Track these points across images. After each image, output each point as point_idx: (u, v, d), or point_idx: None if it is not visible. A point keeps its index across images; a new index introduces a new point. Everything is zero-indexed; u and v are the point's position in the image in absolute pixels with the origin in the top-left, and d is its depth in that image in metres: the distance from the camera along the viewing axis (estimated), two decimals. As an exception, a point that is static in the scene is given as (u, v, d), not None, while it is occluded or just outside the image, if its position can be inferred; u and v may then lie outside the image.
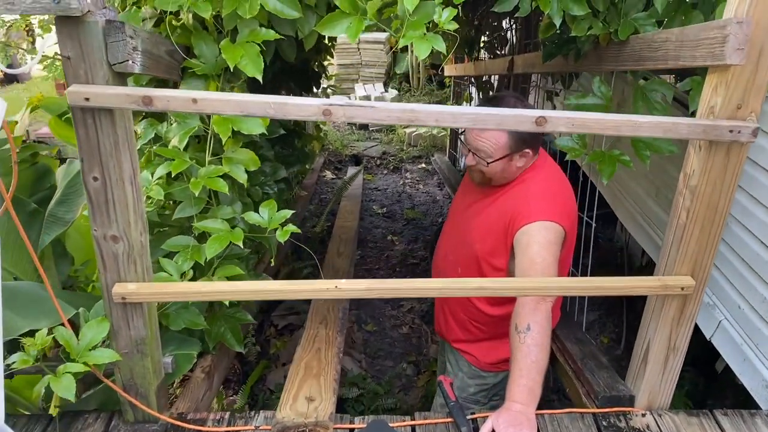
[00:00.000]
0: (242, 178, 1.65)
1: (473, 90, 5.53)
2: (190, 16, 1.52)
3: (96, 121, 1.26)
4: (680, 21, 1.65)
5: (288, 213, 1.67)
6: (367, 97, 8.44)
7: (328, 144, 7.39)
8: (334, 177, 6.51)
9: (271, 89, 2.54)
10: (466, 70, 5.02)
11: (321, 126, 6.11)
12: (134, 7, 1.54)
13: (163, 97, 1.22)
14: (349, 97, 8.79)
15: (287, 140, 2.74)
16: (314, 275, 3.83)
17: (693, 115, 1.47)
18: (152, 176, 1.60)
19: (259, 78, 1.51)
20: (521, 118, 1.27)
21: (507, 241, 1.86)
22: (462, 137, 1.99)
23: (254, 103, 1.23)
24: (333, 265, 3.16)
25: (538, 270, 1.68)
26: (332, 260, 3.22)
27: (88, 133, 1.27)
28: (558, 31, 1.89)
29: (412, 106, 1.26)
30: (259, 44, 1.54)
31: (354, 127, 8.23)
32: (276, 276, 3.77)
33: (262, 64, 1.52)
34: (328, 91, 5.64)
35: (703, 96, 1.37)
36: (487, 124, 1.28)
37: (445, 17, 1.49)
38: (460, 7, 1.53)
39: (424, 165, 7.07)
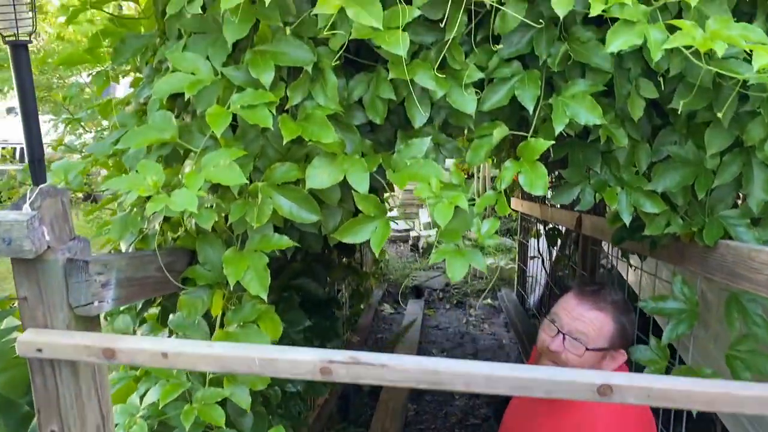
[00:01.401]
0: (245, 403, 1.39)
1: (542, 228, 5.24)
2: (194, 221, 1.34)
3: (55, 371, 1.05)
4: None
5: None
6: (431, 224, 8.27)
7: (388, 274, 7.16)
8: (394, 312, 6.22)
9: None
10: (532, 210, 4.76)
11: (381, 256, 5.94)
12: (134, 210, 1.37)
13: (129, 350, 1.00)
14: (414, 223, 8.67)
15: (321, 311, 2.49)
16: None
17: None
18: (140, 401, 1.37)
19: (264, 296, 1.29)
20: (578, 385, 0.96)
21: None
22: (550, 315, 1.67)
23: (237, 359, 0.99)
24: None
25: None
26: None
27: (45, 383, 1.06)
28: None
29: (435, 365, 0.99)
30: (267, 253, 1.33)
31: (417, 254, 8.01)
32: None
33: (269, 279, 1.30)
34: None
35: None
36: (533, 391, 0.98)
37: (486, 230, 1.24)
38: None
39: (490, 300, 6.69)
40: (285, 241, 1.35)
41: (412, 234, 8.30)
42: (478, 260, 1.22)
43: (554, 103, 1.32)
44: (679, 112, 1.44)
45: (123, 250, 1.44)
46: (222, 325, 1.40)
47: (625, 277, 2.90)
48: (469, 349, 5.37)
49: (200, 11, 1.30)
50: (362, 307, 5.02)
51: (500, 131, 1.34)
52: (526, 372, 0.97)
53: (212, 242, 1.39)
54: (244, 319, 1.38)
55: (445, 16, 1.32)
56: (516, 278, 6.46)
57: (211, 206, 1.31)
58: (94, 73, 1.54)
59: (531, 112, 1.32)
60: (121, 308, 1.61)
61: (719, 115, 1.34)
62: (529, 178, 1.27)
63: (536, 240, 5.46)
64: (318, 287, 2.26)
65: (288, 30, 1.28)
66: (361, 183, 1.31)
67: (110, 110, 1.67)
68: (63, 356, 1.00)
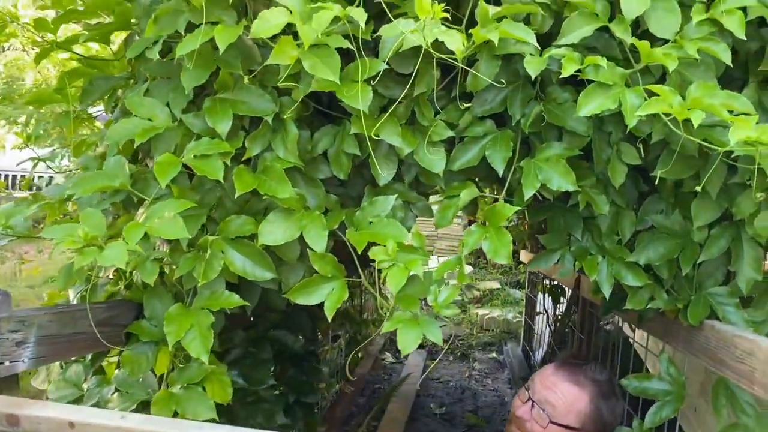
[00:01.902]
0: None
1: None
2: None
3: (-41, 433, 0.97)
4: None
5: None
6: (441, 272, 8.15)
7: (393, 322, 7.02)
8: (395, 361, 6.05)
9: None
10: (537, 265, 4.61)
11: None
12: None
13: (34, 418, 0.91)
14: (423, 270, 8.56)
15: (298, 364, 2.38)
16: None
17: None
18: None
19: (205, 359, 1.20)
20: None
21: None
22: (528, 381, 1.56)
23: (149, 435, 0.90)
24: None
25: None
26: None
27: (-51, 445, 0.98)
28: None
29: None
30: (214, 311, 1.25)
31: (423, 301, 7.88)
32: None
33: (212, 340, 1.22)
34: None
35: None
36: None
37: (443, 299, 1.15)
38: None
39: (495, 354, 6.49)
40: (235, 300, 1.27)
41: (420, 281, 8.16)
42: (434, 331, 1.14)
43: (525, 167, 1.24)
44: (664, 180, 1.36)
45: (72, 301, 1.37)
46: (167, 385, 1.32)
47: (631, 340, 2.76)
48: (469, 405, 5.17)
49: (158, 57, 1.26)
50: (360, 356, 4.90)
51: (468, 192, 1.26)
52: None
53: (161, 296, 1.32)
54: (189, 380, 1.30)
55: (415, 71, 1.26)
56: (522, 333, 6.28)
57: (159, 259, 1.24)
58: (62, 112, 1.50)
59: (501, 174, 1.24)
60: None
61: (706, 185, 1.26)
62: (493, 245, 1.18)
63: (543, 295, 5.32)
64: (295, 340, 2.17)
65: (246, 79, 1.22)
66: (318, 241, 1.23)
67: (83, 150, 1.63)
68: (-39, 421, 0.92)
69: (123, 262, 1.03)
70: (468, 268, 8.31)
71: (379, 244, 1.21)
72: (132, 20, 1.36)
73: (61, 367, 1.64)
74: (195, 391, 1.29)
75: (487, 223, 1.24)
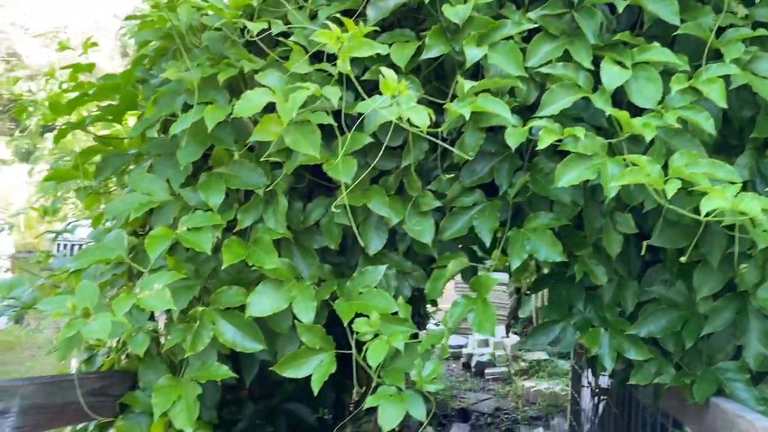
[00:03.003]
0: None
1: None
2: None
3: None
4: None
5: None
6: (486, 341, 7.94)
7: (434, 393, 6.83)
8: (436, 435, 5.87)
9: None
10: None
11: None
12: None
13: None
14: (467, 338, 8.36)
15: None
16: None
17: None
18: None
19: (189, 431, 1.20)
20: None
21: None
22: None
23: None
24: None
25: None
26: None
27: None
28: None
29: None
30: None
31: (469, 373, 7.65)
32: None
33: (197, 412, 1.22)
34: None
35: None
36: None
37: (427, 373, 1.13)
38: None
39: (541, 429, 6.21)
40: (224, 371, 1.27)
41: (465, 351, 7.98)
42: (417, 408, 1.10)
43: (512, 237, 1.23)
44: (666, 250, 1.33)
45: (72, 370, 1.41)
46: (160, 457, 1.31)
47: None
48: (513, 486, 4.93)
49: (160, 135, 1.32)
50: (397, 429, 4.75)
51: (456, 263, 1.25)
52: None
53: (156, 367, 1.33)
54: (179, 453, 1.29)
55: (405, 143, 1.28)
56: (569, 407, 6.01)
57: (152, 331, 1.27)
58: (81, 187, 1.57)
59: (488, 244, 1.23)
60: (79, 427, 1.55)
61: (707, 255, 1.22)
62: (478, 317, 1.16)
63: (588, 367, 5.11)
64: (309, 414, 2.13)
65: (237, 154, 1.27)
66: (306, 312, 1.24)
67: (98, 222, 1.70)
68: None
69: (106, 335, 1.06)
70: (514, 338, 8.09)
71: (367, 315, 1.21)
72: (140, 101, 1.44)
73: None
74: (186, 465, 1.28)
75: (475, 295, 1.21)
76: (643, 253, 1.18)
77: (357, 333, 1.16)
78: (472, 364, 7.67)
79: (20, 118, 1.47)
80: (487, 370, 7.45)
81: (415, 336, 1.21)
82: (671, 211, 1.18)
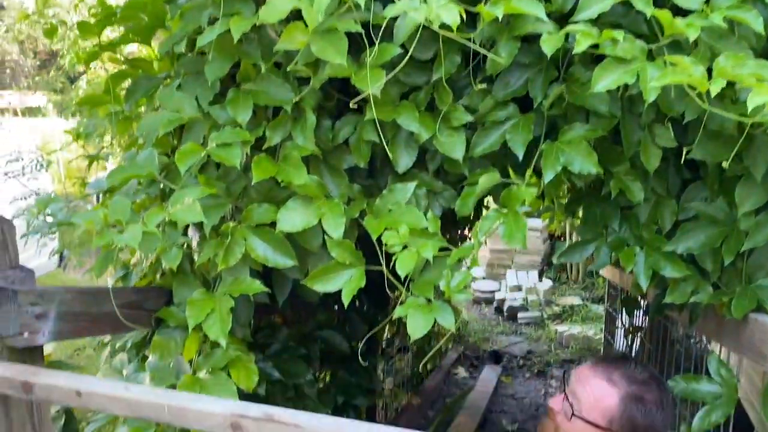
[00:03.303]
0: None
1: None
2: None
3: (-13, 400, 1.03)
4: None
5: None
6: (518, 286, 7.94)
7: (467, 336, 6.89)
8: (468, 376, 5.93)
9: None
10: (613, 275, 4.43)
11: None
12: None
13: (46, 386, 0.96)
14: (500, 283, 8.37)
15: (346, 366, 2.37)
16: None
17: None
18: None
19: (223, 342, 1.22)
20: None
21: None
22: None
23: (148, 405, 0.93)
24: None
25: None
26: None
27: (-21, 412, 1.04)
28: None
29: (356, 428, 0.87)
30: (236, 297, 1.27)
31: (501, 317, 7.68)
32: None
33: (230, 325, 1.24)
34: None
35: None
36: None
37: (456, 283, 1.12)
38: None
39: (573, 371, 6.24)
40: (257, 286, 1.29)
41: (498, 296, 7.99)
42: (446, 317, 1.10)
43: (547, 149, 1.19)
44: (708, 165, 1.28)
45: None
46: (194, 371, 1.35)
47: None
48: (544, 423, 4.99)
49: (188, 52, 1.31)
50: (428, 368, 4.84)
51: (487, 178, 1.22)
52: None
53: (190, 283, 1.36)
54: (214, 365, 1.32)
55: (436, 56, 1.25)
56: (602, 350, 6.01)
57: (183, 245, 1.29)
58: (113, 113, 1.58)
59: (520, 158, 1.20)
60: (118, 346, 1.60)
61: (750, 167, 1.17)
62: (509, 228, 1.14)
63: (622, 309, 5.08)
64: (342, 341, 2.17)
65: (264, 68, 1.25)
66: (335, 228, 1.24)
67: (131, 147, 1.72)
68: (-17, 386, 0.98)
69: (137, 243, 1.07)
70: (548, 283, 8.06)
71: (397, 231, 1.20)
72: (167, 21, 1.42)
73: (111, 356, 1.73)
74: (219, 376, 1.31)
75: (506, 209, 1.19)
76: (682, 161, 1.14)
77: (386, 245, 1.16)
78: (505, 308, 7.69)
79: (50, 38, 1.47)
80: (519, 315, 7.47)
81: (444, 250, 1.19)
82: (713, 120, 1.13)
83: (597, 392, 1.30)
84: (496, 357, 6.49)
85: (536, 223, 8.48)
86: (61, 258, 4.24)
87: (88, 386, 0.94)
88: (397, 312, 1.13)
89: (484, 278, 8.63)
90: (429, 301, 1.15)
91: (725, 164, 1.07)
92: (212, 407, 0.90)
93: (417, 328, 1.09)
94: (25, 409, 1.06)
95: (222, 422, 0.90)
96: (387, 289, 1.15)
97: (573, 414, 1.28)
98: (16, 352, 1.04)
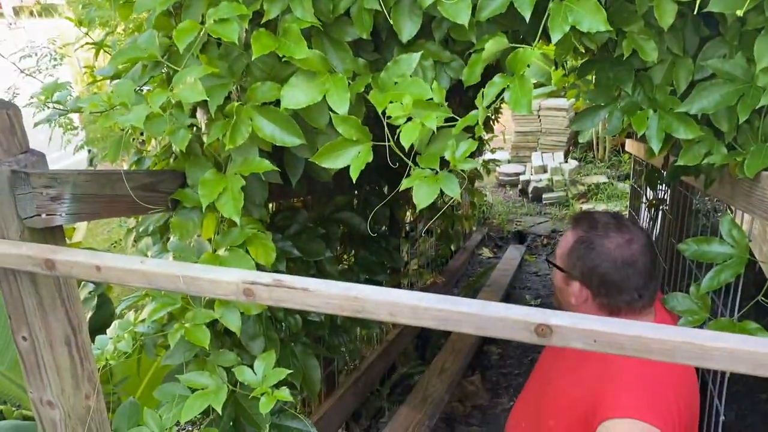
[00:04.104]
0: (234, 326, 1.38)
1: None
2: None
3: (17, 278, 1.10)
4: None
5: (284, 372, 1.37)
6: (544, 168, 7.90)
7: (491, 218, 6.96)
8: (492, 256, 6.06)
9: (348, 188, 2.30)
10: (638, 150, 4.37)
11: (478, 198, 5.75)
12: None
13: (66, 262, 1.01)
14: (524, 166, 8.33)
15: (367, 245, 2.44)
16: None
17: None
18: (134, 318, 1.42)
19: (237, 220, 1.26)
20: (511, 322, 0.84)
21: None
22: None
23: (163, 276, 0.97)
24: (430, 383, 2.77)
25: None
26: (431, 377, 2.84)
27: (11, 289, 1.11)
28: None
29: (357, 291, 0.90)
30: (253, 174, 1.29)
31: (526, 199, 7.71)
32: (389, 376, 3.48)
33: (242, 202, 1.27)
34: (492, 159, 5.29)
35: None
36: (461, 325, 0.87)
37: (461, 153, 1.12)
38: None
39: (596, 247, 6.32)
40: (265, 165, 1.30)
41: (522, 178, 7.98)
42: (451, 186, 1.11)
43: (554, 9, 1.14)
44: (727, 20, 1.21)
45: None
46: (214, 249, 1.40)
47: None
48: (566, 298, 5.13)
49: None
50: (453, 249, 4.94)
51: (494, 43, 1.18)
52: (453, 305, 0.87)
53: (201, 165, 1.38)
54: (232, 242, 1.37)
55: None
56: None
57: (191, 126, 1.29)
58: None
59: (527, 18, 1.15)
60: (141, 230, 1.66)
61: (771, 18, 1.10)
62: (514, 94, 1.12)
63: (645, 184, 5.04)
64: (361, 222, 2.21)
65: (256, -65, 1.19)
66: (340, 104, 1.22)
67: (134, 33, 1.69)
68: (10, 265, 1.03)
69: (141, 122, 1.08)
70: (573, 163, 7.99)
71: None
72: None
73: (135, 242, 1.80)
74: (238, 252, 1.36)
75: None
76: (695, 11, 1.08)
77: (390, 118, 1.15)
78: (529, 190, 7.71)
79: None
80: (544, 195, 7.49)
81: (450, 120, 1.18)
82: (733, -31, 1.06)
83: (563, 239, 1.45)
84: (520, 237, 6.59)
85: (561, 102, 8.29)
86: (90, 155, 4.32)
87: (106, 261, 0.98)
88: (404, 183, 1.14)
89: (509, 161, 8.59)
90: (435, 172, 1.16)
91: (739, 12, 1.01)
92: (225, 276, 0.94)
93: (422, 197, 1.10)
94: (53, 286, 1.13)
95: (235, 289, 0.94)
96: (389, 164, 1.14)
97: (546, 259, 1.42)
98: (37, 233, 1.08)
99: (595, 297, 1.46)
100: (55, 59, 2.85)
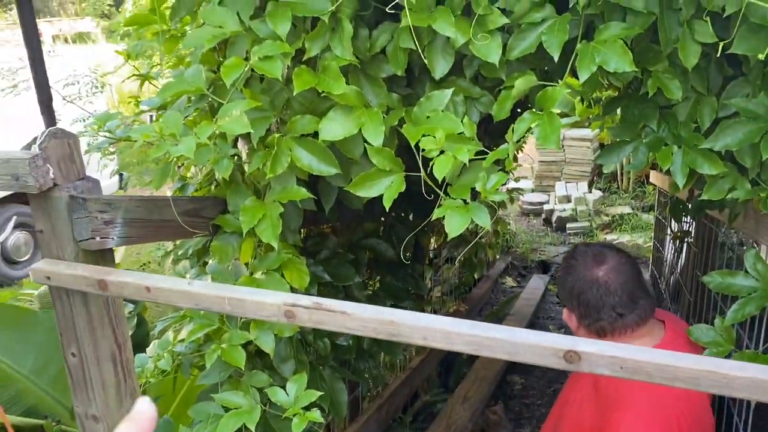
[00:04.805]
0: (269, 348, 1.44)
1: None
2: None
3: (70, 298, 1.16)
4: None
5: (316, 394, 1.41)
6: (567, 197, 7.90)
7: (515, 247, 6.96)
8: (515, 285, 6.05)
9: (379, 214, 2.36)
10: (663, 182, 4.38)
11: (501, 227, 5.77)
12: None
13: (118, 283, 1.07)
14: (548, 195, 8.34)
15: (393, 271, 2.48)
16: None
17: None
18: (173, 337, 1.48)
19: (275, 245, 1.32)
20: (542, 348, 0.89)
21: None
22: None
23: (209, 297, 1.03)
24: (453, 411, 2.79)
25: None
26: (454, 405, 2.85)
27: (63, 308, 1.18)
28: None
29: (393, 316, 0.95)
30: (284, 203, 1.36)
31: (550, 228, 7.71)
32: (412, 404, 3.48)
33: (280, 228, 1.33)
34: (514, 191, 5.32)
35: None
36: (494, 351, 0.92)
37: (491, 185, 1.17)
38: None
39: (621, 279, 6.28)
40: (302, 192, 1.37)
41: (546, 207, 7.98)
42: (481, 216, 1.16)
43: (581, 50, 1.19)
44: (751, 61, 1.26)
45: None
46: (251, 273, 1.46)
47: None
48: (590, 328, 5.10)
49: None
50: (476, 277, 4.96)
51: (523, 81, 1.24)
52: (485, 331, 0.91)
53: (242, 192, 1.45)
54: (268, 266, 1.43)
55: (470, -42, 1.24)
56: (651, 257, 6.01)
57: (234, 156, 1.36)
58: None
59: (556, 59, 1.21)
60: (180, 253, 1.73)
61: (793, 60, 1.15)
62: (544, 130, 1.17)
63: (671, 216, 5.03)
64: (388, 248, 2.27)
65: (300, -21, 1.27)
66: (375, 136, 1.29)
67: (178, 65, 1.78)
68: (65, 285, 1.10)
69: (191, 153, 1.15)
70: (597, 194, 7.98)
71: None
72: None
73: (174, 264, 1.87)
74: (274, 276, 1.42)
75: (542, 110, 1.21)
76: (718, 54, 1.13)
77: (423, 151, 1.20)
78: (553, 219, 7.70)
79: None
80: (568, 225, 7.47)
81: (481, 154, 1.24)
82: (755, 12, 1.11)
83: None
84: (544, 267, 6.58)
85: (586, 133, 8.32)
86: (121, 178, 4.44)
87: (155, 283, 1.05)
88: (436, 213, 1.20)
89: (533, 190, 8.60)
90: (465, 202, 1.21)
91: (761, 56, 1.06)
92: (268, 298, 1.00)
93: (454, 226, 1.15)
94: (102, 305, 1.19)
95: (277, 311, 0.99)
96: (424, 194, 1.20)
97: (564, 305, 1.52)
98: (90, 255, 1.15)
99: (579, 319, 1.54)
100: (96, 87, 2.98)
